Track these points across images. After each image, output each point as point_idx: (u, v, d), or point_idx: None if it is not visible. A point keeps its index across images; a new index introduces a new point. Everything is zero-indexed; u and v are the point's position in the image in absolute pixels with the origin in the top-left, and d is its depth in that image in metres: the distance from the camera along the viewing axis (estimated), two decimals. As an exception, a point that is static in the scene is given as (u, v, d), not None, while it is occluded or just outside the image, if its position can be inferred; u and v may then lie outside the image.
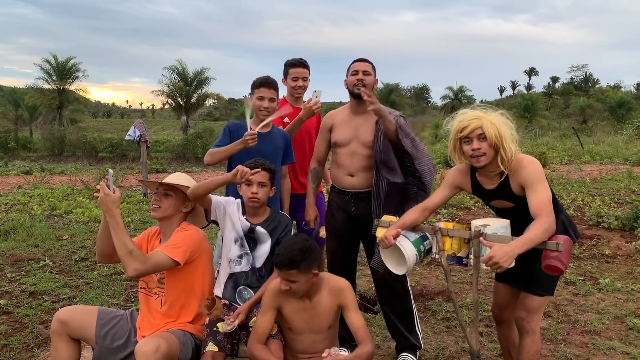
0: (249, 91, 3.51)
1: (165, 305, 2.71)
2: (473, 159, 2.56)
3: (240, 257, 2.88)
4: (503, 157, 2.53)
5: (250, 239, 2.89)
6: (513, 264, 2.53)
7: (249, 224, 2.90)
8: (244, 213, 2.93)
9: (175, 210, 2.76)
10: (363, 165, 3.34)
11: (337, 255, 3.53)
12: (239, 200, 2.97)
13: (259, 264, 2.88)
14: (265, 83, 3.41)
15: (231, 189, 3.43)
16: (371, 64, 3.39)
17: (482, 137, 2.51)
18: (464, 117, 2.58)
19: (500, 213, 2.79)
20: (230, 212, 2.92)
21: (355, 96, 3.32)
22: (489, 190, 2.70)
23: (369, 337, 2.52)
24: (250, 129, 3.23)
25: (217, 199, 2.91)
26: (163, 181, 2.77)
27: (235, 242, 2.89)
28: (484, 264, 2.39)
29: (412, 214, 2.80)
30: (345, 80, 3.42)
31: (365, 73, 3.32)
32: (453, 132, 2.61)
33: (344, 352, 2.70)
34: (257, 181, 2.80)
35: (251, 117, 3.34)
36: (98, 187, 2.44)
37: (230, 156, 3.32)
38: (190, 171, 18.10)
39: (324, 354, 2.32)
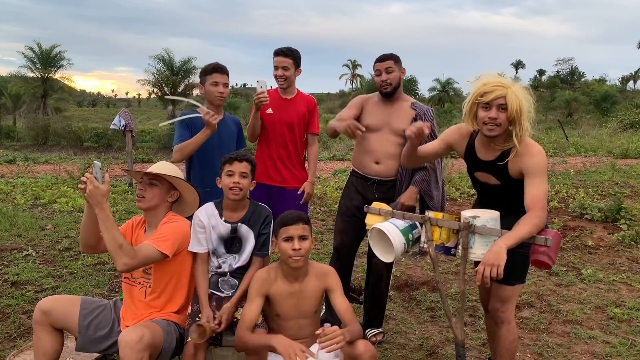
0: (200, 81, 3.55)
1: (151, 296, 2.69)
2: (486, 126, 2.47)
3: (219, 266, 2.85)
4: (517, 132, 2.45)
5: (235, 239, 2.83)
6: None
7: (229, 225, 2.81)
8: (220, 215, 2.83)
9: (160, 200, 2.73)
10: (391, 152, 3.43)
11: (346, 235, 3.60)
12: (209, 204, 2.87)
13: (244, 261, 2.84)
14: (218, 68, 3.45)
15: (197, 179, 3.43)
16: (393, 58, 3.42)
17: (503, 107, 2.42)
18: (489, 82, 2.46)
19: (480, 187, 2.77)
20: (207, 223, 2.80)
21: (385, 95, 3.46)
22: (481, 160, 2.64)
23: (355, 318, 2.54)
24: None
25: (196, 237, 2.79)
26: (147, 170, 2.74)
27: (213, 254, 2.83)
28: (481, 270, 2.35)
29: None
30: (373, 77, 3.55)
31: (388, 71, 3.40)
32: (473, 95, 2.49)
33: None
34: (239, 171, 2.75)
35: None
36: (84, 178, 2.36)
37: (199, 146, 3.31)
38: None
39: (318, 331, 2.31)
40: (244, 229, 2.83)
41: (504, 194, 2.55)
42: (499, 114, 2.43)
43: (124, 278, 2.79)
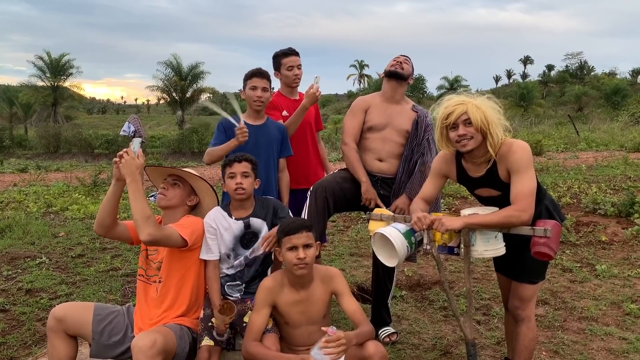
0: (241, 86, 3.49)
1: (160, 293, 2.71)
2: (459, 144, 2.51)
3: (231, 267, 2.86)
4: (491, 142, 2.48)
5: (249, 235, 2.83)
6: (504, 252, 2.55)
7: (241, 221, 2.83)
8: (230, 215, 2.84)
9: (180, 201, 2.80)
10: (394, 152, 3.48)
11: (333, 184, 3.41)
12: (215, 209, 2.88)
13: (259, 251, 2.86)
14: (257, 73, 3.40)
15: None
16: (410, 59, 3.56)
17: (468, 122, 2.46)
18: (449, 104, 2.53)
19: (485, 202, 2.77)
20: (217, 227, 2.82)
21: (391, 75, 3.47)
22: (474, 178, 2.66)
23: (366, 318, 2.53)
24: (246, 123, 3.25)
25: (206, 244, 2.80)
26: (170, 168, 2.84)
27: (228, 257, 2.84)
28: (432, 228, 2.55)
29: (420, 204, 2.79)
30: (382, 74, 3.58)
31: (405, 61, 3.51)
32: (439, 120, 2.56)
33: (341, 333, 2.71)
34: (240, 172, 2.76)
35: (243, 112, 3.38)
36: (121, 152, 2.49)
37: (227, 154, 3.25)
38: (186, 166, 18.05)
39: (323, 328, 2.29)
40: (255, 221, 2.85)
41: (508, 201, 2.53)
42: (466, 129, 2.47)
43: (139, 276, 2.82)
